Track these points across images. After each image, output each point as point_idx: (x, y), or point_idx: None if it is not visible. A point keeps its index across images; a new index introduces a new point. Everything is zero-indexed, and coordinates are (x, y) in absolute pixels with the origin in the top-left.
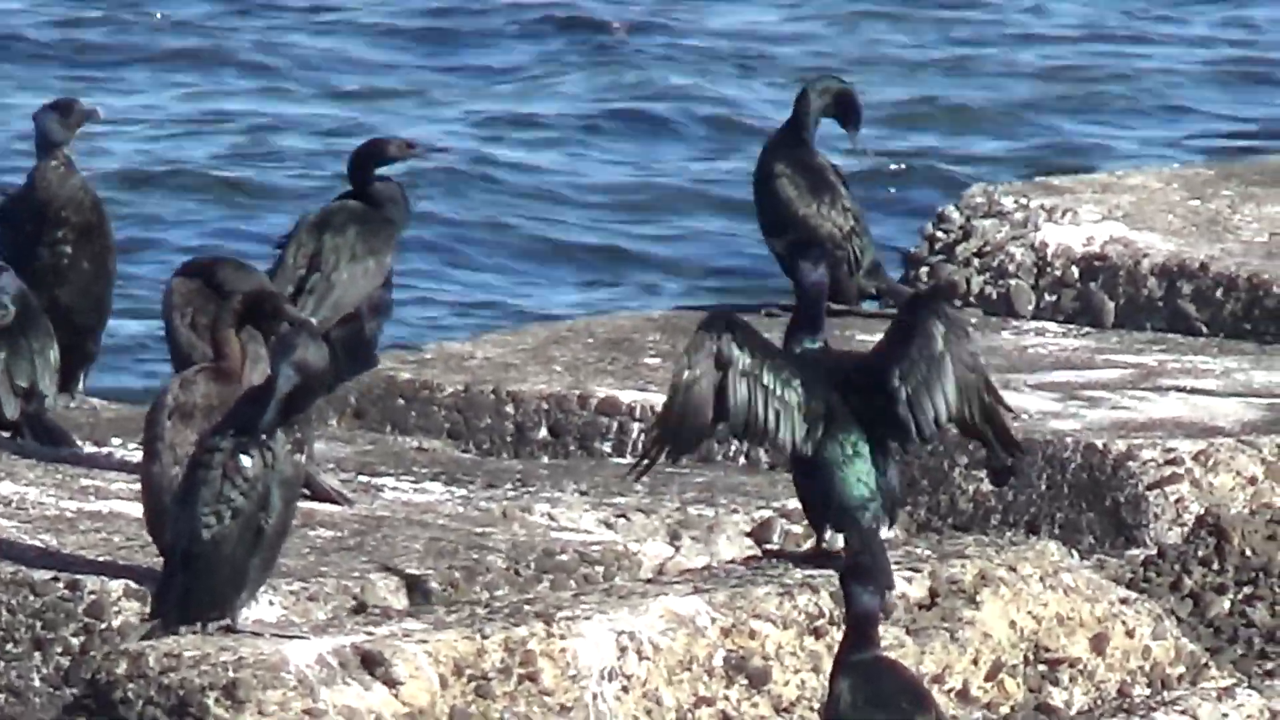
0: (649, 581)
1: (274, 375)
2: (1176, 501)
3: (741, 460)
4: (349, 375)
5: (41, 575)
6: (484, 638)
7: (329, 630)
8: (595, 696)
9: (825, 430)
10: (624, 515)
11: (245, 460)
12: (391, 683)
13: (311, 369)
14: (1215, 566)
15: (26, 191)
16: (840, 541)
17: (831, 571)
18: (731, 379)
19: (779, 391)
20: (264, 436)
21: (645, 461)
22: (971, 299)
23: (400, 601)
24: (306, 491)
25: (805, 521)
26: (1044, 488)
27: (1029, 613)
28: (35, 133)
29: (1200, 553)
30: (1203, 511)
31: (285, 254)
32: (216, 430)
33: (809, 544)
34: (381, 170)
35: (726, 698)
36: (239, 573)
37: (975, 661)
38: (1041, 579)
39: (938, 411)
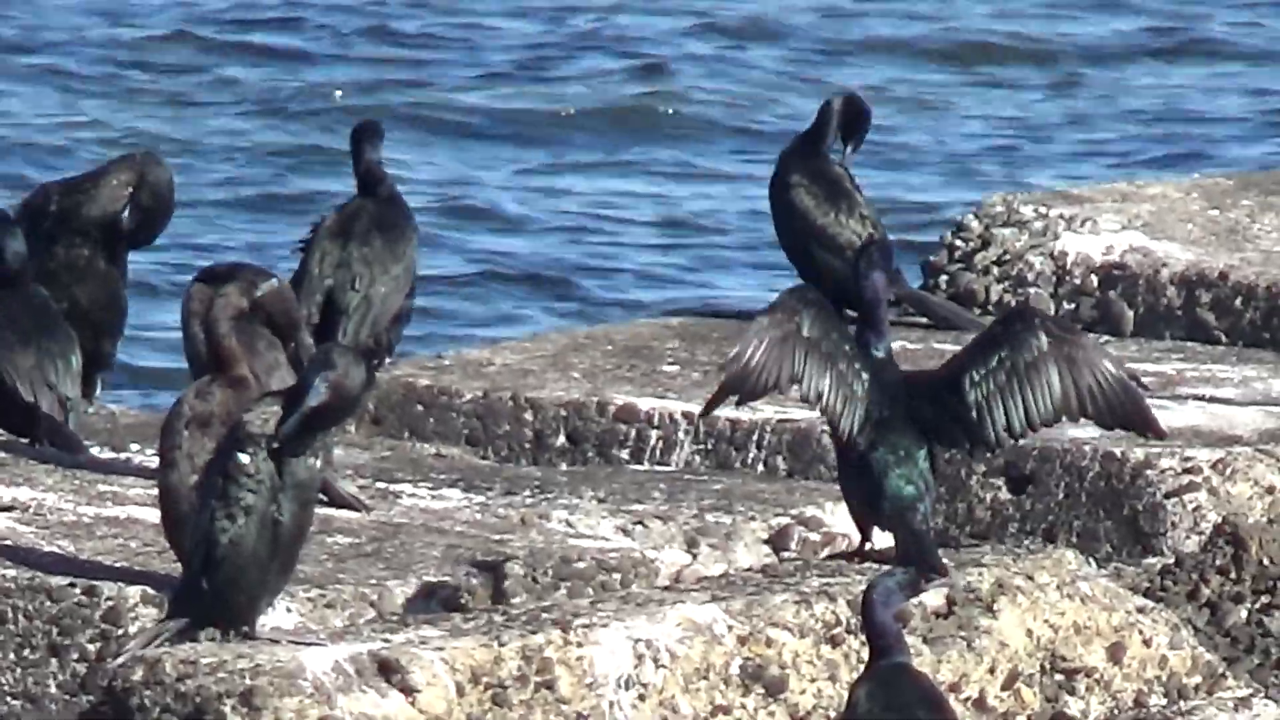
0: (666, 589)
1: (304, 386)
2: (1194, 510)
3: (760, 468)
4: (370, 385)
5: (58, 581)
6: (501, 645)
7: (346, 637)
8: (612, 704)
9: (880, 430)
10: (641, 522)
11: (243, 458)
12: (408, 690)
13: (347, 391)
14: (1233, 575)
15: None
16: (889, 540)
17: (865, 573)
18: (807, 349)
19: (849, 379)
20: (280, 445)
21: (712, 404)
22: (990, 308)
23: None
24: (324, 497)
25: (823, 529)
26: (1061, 496)
27: (1046, 621)
28: None
29: (1218, 562)
30: (1220, 520)
31: (309, 261)
32: (230, 436)
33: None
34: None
35: (743, 706)
36: (263, 572)
37: (992, 670)
38: (1059, 588)
39: (1010, 420)
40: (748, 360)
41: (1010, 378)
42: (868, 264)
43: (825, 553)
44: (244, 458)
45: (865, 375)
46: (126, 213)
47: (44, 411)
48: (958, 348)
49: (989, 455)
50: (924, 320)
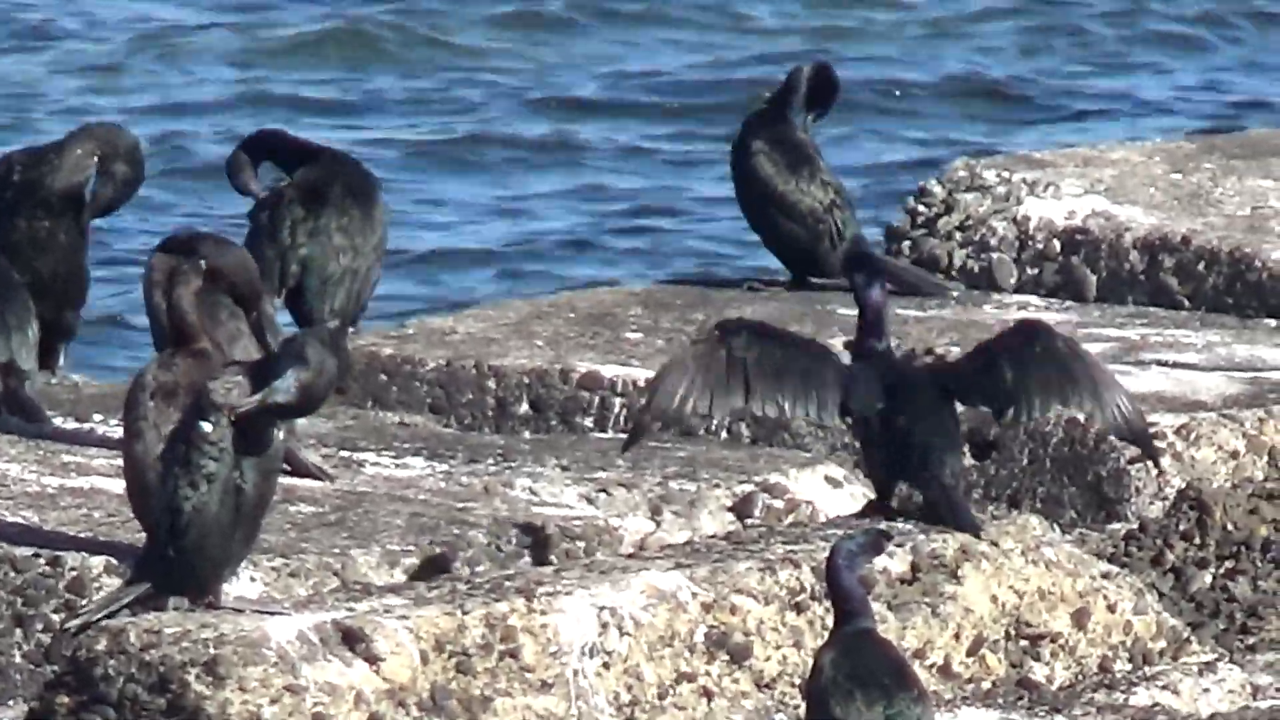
0: (630, 557)
1: (274, 373)
2: (1158, 476)
3: (723, 434)
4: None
5: (22, 551)
6: (465, 614)
7: (310, 606)
8: (576, 673)
9: (894, 398)
10: (605, 490)
11: (205, 426)
12: (372, 659)
13: (316, 394)
14: (1197, 541)
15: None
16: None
17: (829, 539)
18: (746, 371)
19: (818, 371)
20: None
21: (631, 440)
22: (954, 273)
23: (381, 578)
24: (287, 467)
25: (787, 496)
26: (1025, 462)
27: (1010, 587)
28: None
29: (1182, 527)
30: (1184, 486)
31: (277, 229)
32: (194, 405)
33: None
34: None
35: (708, 673)
36: (226, 540)
37: (957, 636)
38: (1023, 553)
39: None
40: (670, 393)
41: (1044, 362)
42: (866, 277)
43: (790, 519)
44: (207, 426)
45: (841, 359)
46: (93, 183)
47: (3, 381)
48: (924, 313)
49: (1017, 421)
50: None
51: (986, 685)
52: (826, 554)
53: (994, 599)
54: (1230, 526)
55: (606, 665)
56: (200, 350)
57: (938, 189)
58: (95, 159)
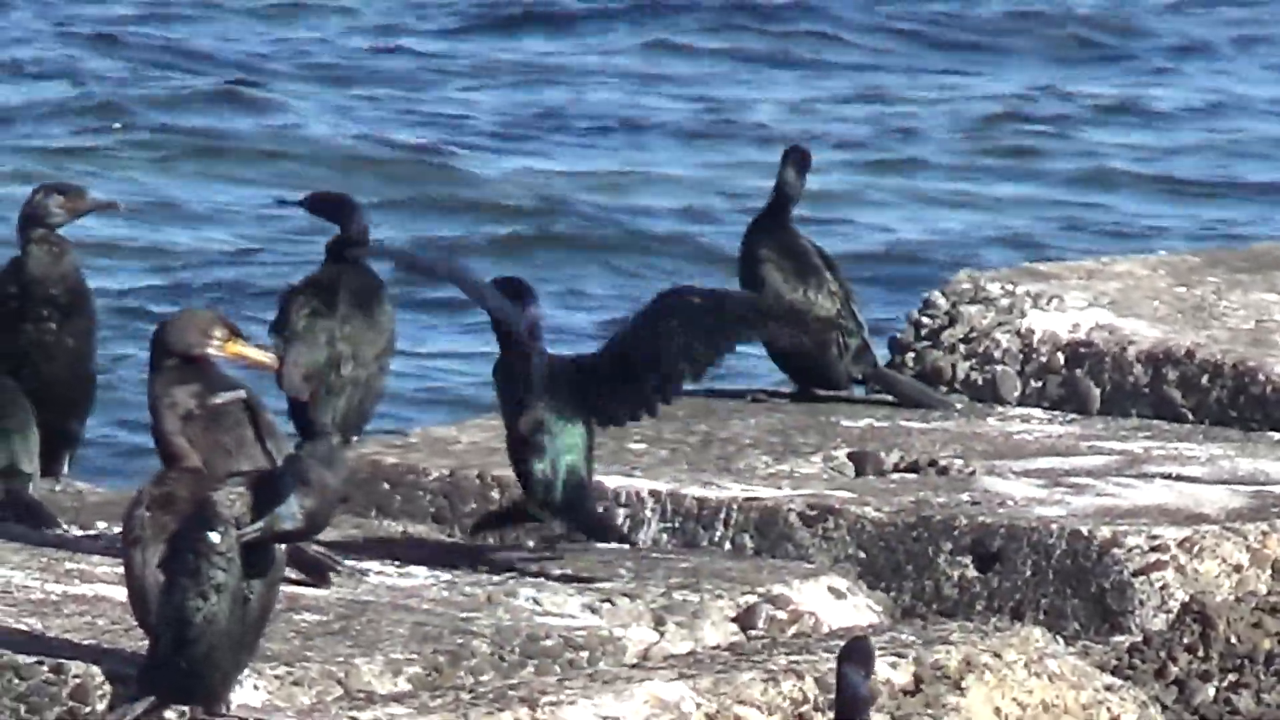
0: (634, 667)
1: (277, 496)
2: (1162, 588)
3: (727, 545)
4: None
5: (26, 659)
6: None
7: (313, 715)
8: None
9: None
10: (609, 600)
11: (213, 537)
12: None
13: (320, 520)
14: (1201, 654)
15: (15, 268)
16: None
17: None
18: None
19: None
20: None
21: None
22: (957, 385)
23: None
24: (292, 574)
25: (790, 607)
26: (1029, 574)
27: (1014, 699)
28: (27, 210)
29: (1185, 640)
30: (1188, 598)
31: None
32: (198, 515)
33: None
34: None
35: None
36: (235, 649)
37: None
38: (1026, 665)
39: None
40: None
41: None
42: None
43: (794, 630)
44: (215, 537)
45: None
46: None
47: (9, 488)
48: (927, 425)
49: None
50: (890, 399)
51: None
52: (835, 662)
53: (997, 711)
54: (1234, 640)
55: None
56: (193, 469)
57: (941, 301)
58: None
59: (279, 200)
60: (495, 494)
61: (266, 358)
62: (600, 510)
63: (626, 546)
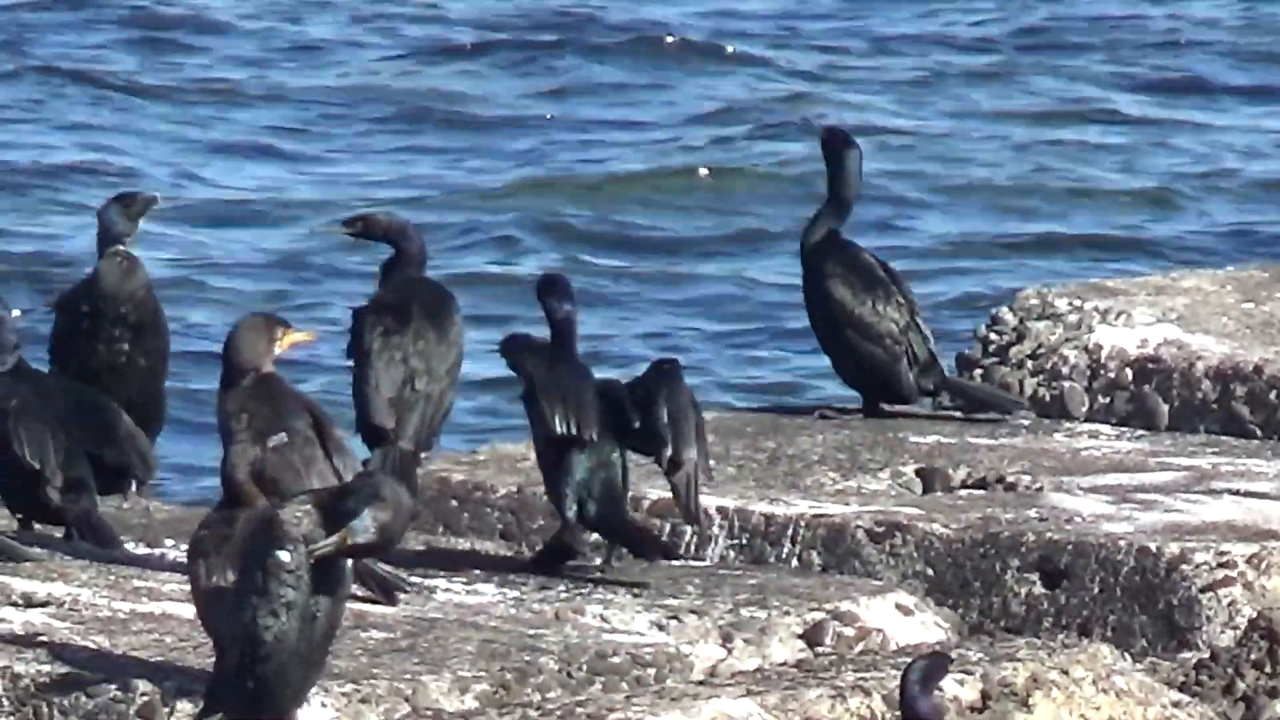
0: (701, 683)
1: (350, 513)
2: (1229, 605)
3: (794, 562)
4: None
5: (93, 676)
6: None
7: None
8: None
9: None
10: (676, 617)
11: (283, 555)
12: None
13: (392, 536)
14: (1268, 670)
15: (87, 286)
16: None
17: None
18: None
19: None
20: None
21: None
22: (1025, 401)
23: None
24: (360, 592)
25: (857, 624)
26: (1096, 590)
27: (1081, 716)
28: (98, 227)
29: (1253, 656)
30: (1255, 615)
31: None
32: (268, 533)
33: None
34: None
35: None
36: (305, 666)
37: None
38: (1094, 682)
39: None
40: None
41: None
42: (557, 300)
43: (861, 647)
44: (285, 555)
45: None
46: None
47: (77, 505)
48: (994, 441)
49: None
50: (958, 415)
51: None
52: (899, 680)
53: None
54: None
55: None
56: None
57: (1009, 317)
58: None
59: (331, 222)
60: None
61: (308, 336)
62: (639, 524)
63: (674, 562)
